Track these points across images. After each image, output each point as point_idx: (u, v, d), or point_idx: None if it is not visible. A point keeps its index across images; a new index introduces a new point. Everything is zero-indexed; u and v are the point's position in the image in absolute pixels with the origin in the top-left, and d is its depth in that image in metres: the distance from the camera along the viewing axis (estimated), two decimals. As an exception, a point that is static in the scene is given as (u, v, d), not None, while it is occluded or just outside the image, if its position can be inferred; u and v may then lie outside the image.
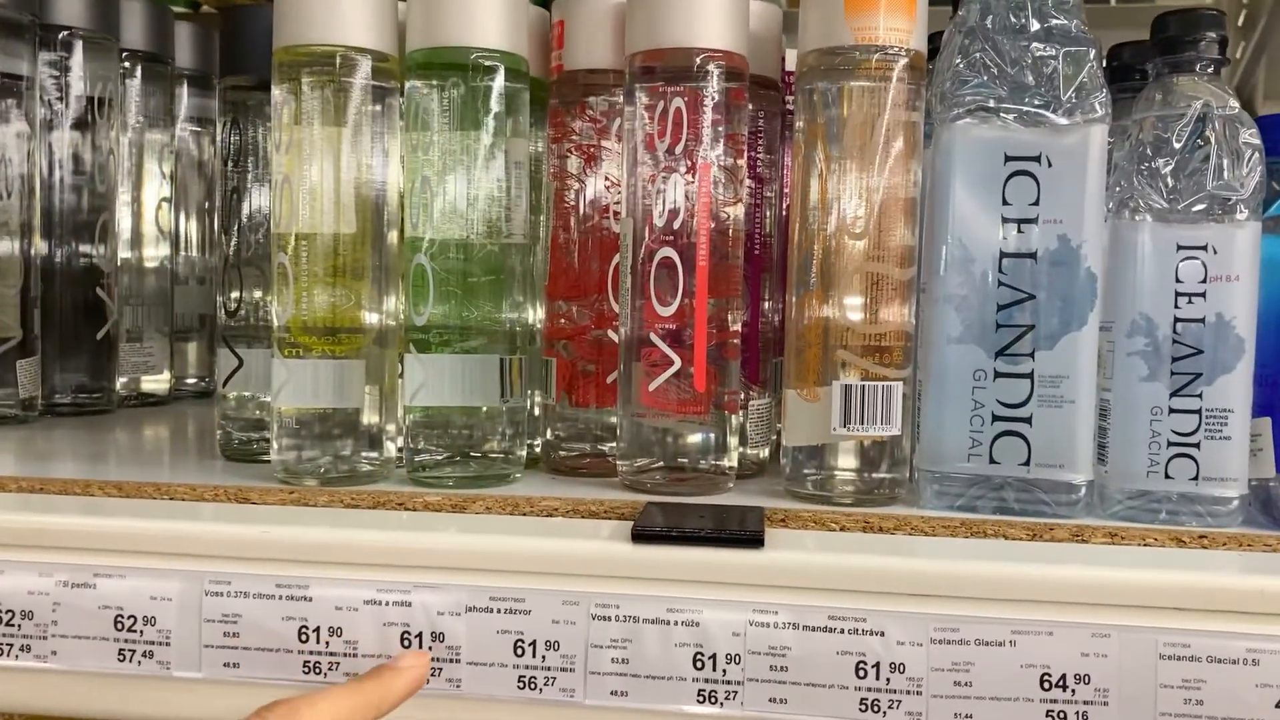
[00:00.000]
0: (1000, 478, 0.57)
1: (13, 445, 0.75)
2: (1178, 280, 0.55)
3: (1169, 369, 0.55)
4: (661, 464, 0.61)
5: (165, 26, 1.00)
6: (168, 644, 0.53)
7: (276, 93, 0.62)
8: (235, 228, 0.68)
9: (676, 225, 0.59)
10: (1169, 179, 0.55)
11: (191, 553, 0.53)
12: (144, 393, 0.98)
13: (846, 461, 0.60)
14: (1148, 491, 0.56)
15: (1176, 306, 0.55)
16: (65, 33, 0.89)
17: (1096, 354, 0.56)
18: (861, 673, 0.49)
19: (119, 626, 0.53)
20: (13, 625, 0.54)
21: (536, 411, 0.68)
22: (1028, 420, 0.56)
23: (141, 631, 0.53)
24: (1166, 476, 0.55)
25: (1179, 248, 0.55)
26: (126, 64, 0.96)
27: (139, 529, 0.54)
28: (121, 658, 0.53)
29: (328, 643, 0.52)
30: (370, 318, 0.62)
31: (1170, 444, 0.55)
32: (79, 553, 0.54)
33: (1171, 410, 0.55)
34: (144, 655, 0.53)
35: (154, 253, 1.00)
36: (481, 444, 0.62)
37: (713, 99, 0.59)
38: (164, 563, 0.53)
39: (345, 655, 0.52)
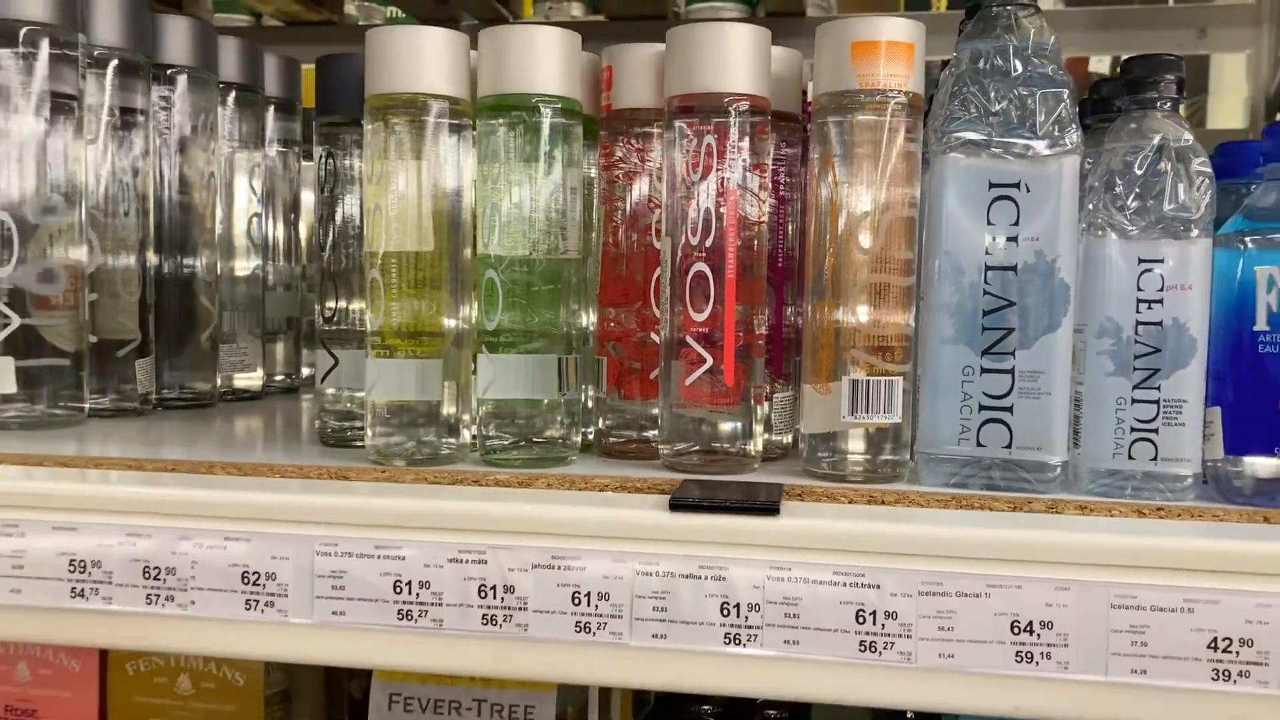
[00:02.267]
0: (987, 459, 0.66)
1: (136, 433, 0.87)
2: (1139, 289, 0.64)
3: (1132, 365, 0.64)
4: (697, 448, 0.71)
5: (256, 60, 1.12)
6: (285, 595, 0.64)
7: (368, 131, 0.73)
8: (330, 245, 0.79)
9: (708, 243, 0.69)
10: (1132, 202, 0.64)
11: (305, 520, 0.64)
12: (238, 389, 1.10)
13: (855, 445, 0.69)
14: (1115, 470, 0.65)
15: (1138, 312, 0.64)
16: (172, 70, 1.01)
17: (1070, 352, 0.65)
18: (860, 619, 0.59)
19: (245, 581, 0.64)
20: (159, 580, 0.65)
21: (589, 403, 0.78)
22: (1009, 409, 0.65)
23: (264, 585, 0.64)
24: (1130, 457, 0.64)
25: (1140, 261, 0.64)
26: (223, 94, 1.08)
27: (260, 500, 0.65)
28: (248, 607, 0.64)
29: (418, 594, 0.62)
30: (448, 323, 0.73)
31: (1133, 429, 0.64)
32: (212, 520, 0.65)
33: (1134, 400, 0.64)
34: (266, 605, 0.64)
35: (246, 263, 1.12)
36: (543, 431, 0.73)
37: (738, 133, 0.69)
38: (282, 529, 0.64)
39: (432, 604, 0.62)
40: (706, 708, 1.06)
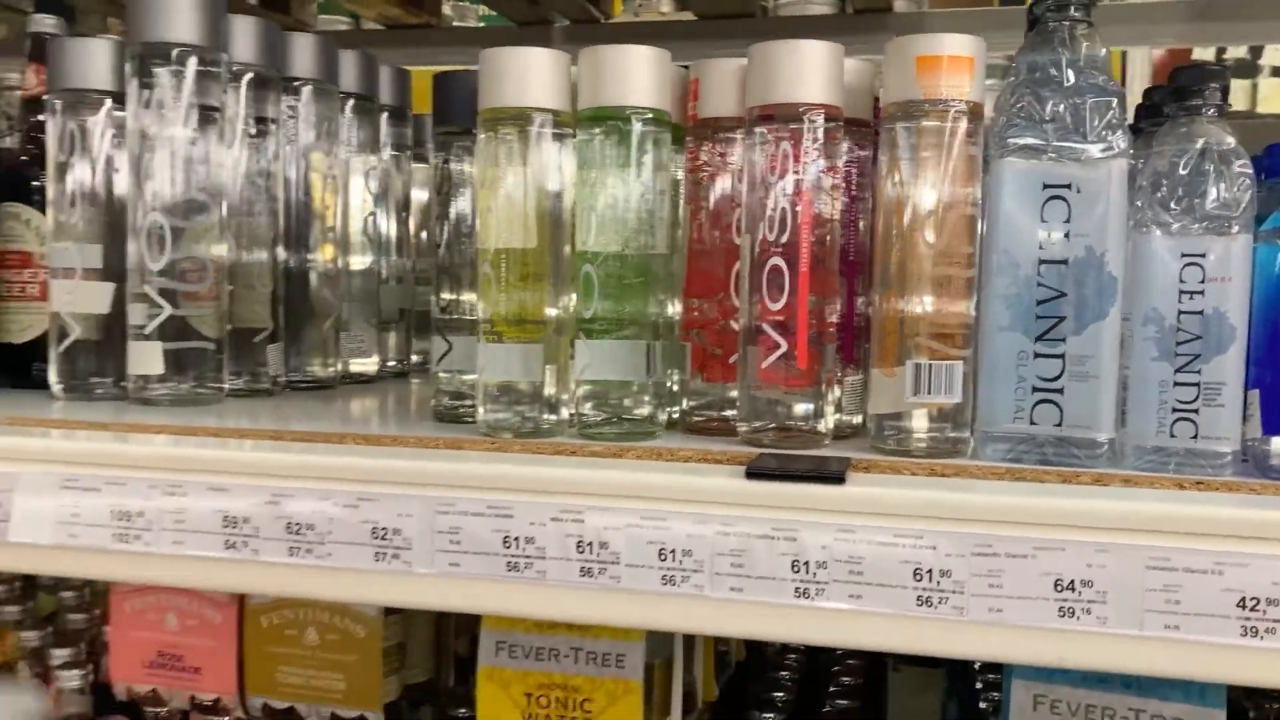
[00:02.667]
0: (1040, 436, 0.72)
1: (268, 410, 0.97)
2: (1182, 281, 0.69)
3: (1174, 351, 0.70)
4: (772, 425, 0.78)
5: (372, 71, 1.22)
6: (410, 549, 0.73)
7: (481, 140, 0.81)
8: (445, 243, 0.88)
9: (784, 239, 0.76)
10: (1176, 202, 0.70)
11: (427, 483, 0.73)
12: (355, 373, 1.20)
13: (919, 424, 0.76)
14: (1159, 448, 0.71)
15: (1180, 302, 0.69)
16: (298, 82, 1.11)
17: (1118, 339, 0.71)
18: (918, 577, 0.65)
19: (374, 536, 0.73)
20: (300, 535, 0.75)
21: (675, 385, 0.86)
22: (1060, 391, 0.71)
23: (391, 540, 0.73)
24: (1171, 435, 0.70)
25: (1183, 255, 0.69)
26: (342, 103, 1.18)
27: (388, 466, 0.74)
28: (377, 558, 0.73)
29: (524, 549, 0.71)
30: (549, 312, 0.81)
31: (1174, 410, 0.70)
32: (345, 482, 0.74)
33: (1176, 384, 0.70)
34: (393, 557, 0.73)
35: (363, 258, 1.22)
36: (632, 409, 0.81)
37: (811, 139, 0.76)
38: (407, 490, 0.73)
39: (536, 558, 0.71)
40: (784, 674, 1.13)
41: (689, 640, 0.95)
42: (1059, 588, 0.64)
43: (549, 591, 0.71)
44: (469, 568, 0.72)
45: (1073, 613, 0.64)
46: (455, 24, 3.18)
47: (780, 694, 1.08)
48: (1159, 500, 0.65)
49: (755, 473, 0.69)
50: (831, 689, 1.10)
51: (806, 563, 0.67)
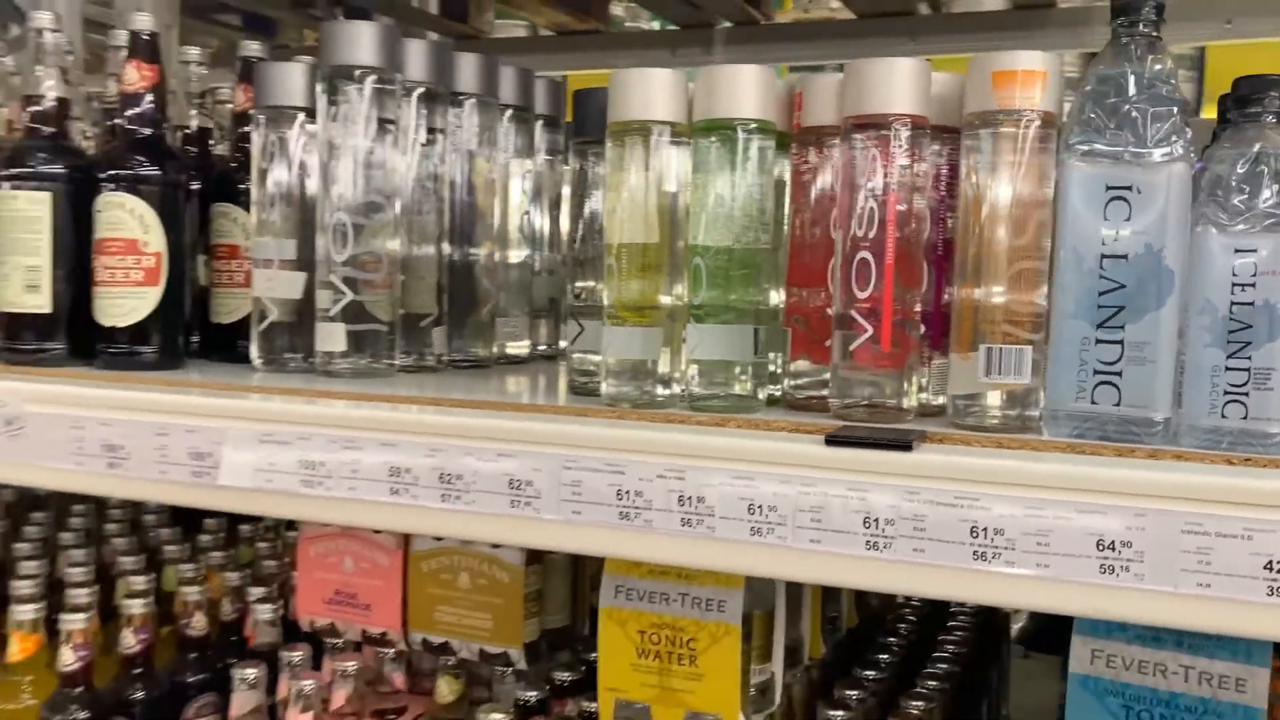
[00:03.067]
0: (1101, 415, 0.79)
1: (431, 383, 1.12)
2: (1234, 275, 0.76)
3: (1226, 339, 0.76)
4: (861, 402, 0.87)
5: (528, 84, 1.36)
6: (539, 498, 0.85)
7: (609, 149, 0.93)
8: (580, 238, 1.01)
9: (871, 235, 0.85)
10: (1231, 201, 0.76)
11: (556, 443, 0.85)
12: (509, 355, 1.34)
13: (992, 403, 0.84)
14: (1214, 428, 0.77)
15: (1233, 294, 0.76)
16: (463, 96, 1.26)
17: (1175, 327, 0.77)
18: (974, 534, 0.74)
19: (511, 486, 0.86)
20: (451, 484, 0.88)
21: (777, 366, 0.96)
22: (1119, 374, 0.78)
23: (524, 490, 0.86)
24: (1223, 416, 0.76)
25: (1236, 251, 0.75)
26: (501, 113, 1.32)
27: (521, 428, 0.87)
28: (513, 504, 0.86)
29: (634, 501, 0.82)
30: (665, 299, 0.92)
31: (1225, 393, 0.76)
32: (488, 441, 0.88)
33: (1227, 368, 0.76)
34: (525, 504, 0.86)
35: (518, 252, 1.36)
36: (737, 386, 0.91)
37: (898, 145, 0.85)
38: (539, 449, 0.86)
39: (644, 509, 0.82)
40: (891, 640, 1.22)
41: (794, 597, 1.05)
42: (1100, 547, 0.71)
43: (653, 538, 0.82)
44: (588, 515, 0.84)
45: (1113, 570, 0.71)
46: (628, 24, 3.31)
47: (885, 656, 1.16)
48: (1196, 473, 0.71)
49: (834, 440, 0.79)
50: (935, 654, 1.18)
51: (876, 519, 0.76)
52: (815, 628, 1.12)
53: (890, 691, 1.10)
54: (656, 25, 3.33)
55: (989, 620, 1.35)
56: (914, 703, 1.04)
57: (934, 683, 1.10)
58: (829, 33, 3.33)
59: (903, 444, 0.77)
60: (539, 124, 1.40)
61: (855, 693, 1.05)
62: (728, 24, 3.15)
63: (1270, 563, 0.68)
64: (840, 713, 1.01)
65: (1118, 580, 0.71)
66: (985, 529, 0.74)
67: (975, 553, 0.74)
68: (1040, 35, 2.98)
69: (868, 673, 1.12)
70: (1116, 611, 0.72)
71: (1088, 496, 0.72)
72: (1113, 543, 0.71)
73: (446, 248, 1.24)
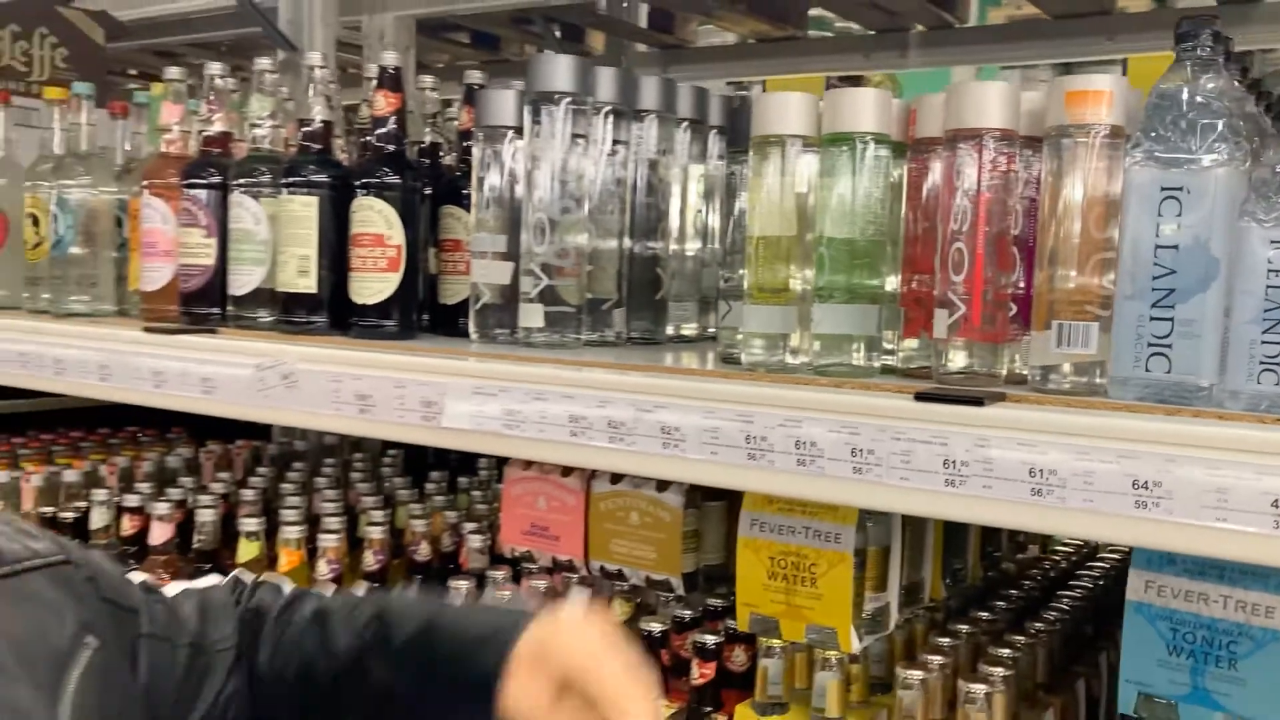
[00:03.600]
0: (1154, 381, 0.93)
1: (610, 354, 1.34)
2: (1269, 263, 0.88)
3: (1262, 316, 0.89)
4: (956, 370, 1.04)
5: (703, 100, 1.56)
6: (685, 441, 1.06)
7: (753, 156, 1.13)
8: (730, 230, 1.21)
9: (964, 229, 1.02)
10: (1269, 200, 0.89)
11: (702, 398, 1.06)
12: (681, 335, 1.56)
13: (1064, 370, 0.99)
14: (1254, 393, 0.90)
15: (1268, 279, 0.89)
16: (644, 113, 1.48)
17: (1220, 307, 0.91)
18: (1032, 474, 0.90)
19: (665, 432, 1.07)
20: (615, 429, 1.10)
21: (894, 341, 1.14)
22: (1170, 346, 0.92)
23: (673, 434, 1.07)
24: (1258, 383, 0.89)
25: (1271, 243, 0.88)
26: (679, 125, 1.53)
27: (678, 385, 1.08)
28: (664, 446, 1.07)
29: (760, 444, 1.02)
30: (795, 283, 1.12)
31: (1261, 363, 0.89)
32: (646, 395, 1.09)
33: (1263, 342, 0.89)
34: (674, 445, 1.07)
35: (691, 245, 1.57)
36: (855, 356, 1.09)
37: (990, 153, 1.01)
38: (690, 403, 1.07)
39: (766, 451, 1.02)
40: (1014, 592, 1.36)
41: (915, 541, 1.22)
42: (1135, 486, 0.86)
43: (774, 475, 1.02)
44: (723, 456, 1.04)
45: (1145, 505, 0.86)
46: (838, 24, 3.44)
47: (1002, 604, 1.31)
48: (1217, 426, 0.85)
49: (921, 396, 0.96)
50: (1051, 605, 1.32)
51: (953, 461, 0.93)
52: (936, 573, 1.28)
53: (1001, 635, 1.25)
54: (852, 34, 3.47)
55: (1115, 580, 1.47)
56: (1018, 638, 1.19)
57: (1040, 625, 1.24)
58: (1022, 34, 3.40)
59: (975, 400, 0.94)
60: (713, 134, 1.61)
61: (966, 628, 1.21)
62: (920, 28, 3.27)
63: (1276, 500, 0.81)
64: (948, 641, 1.17)
65: (1149, 514, 0.86)
66: (1041, 470, 0.90)
67: (1033, 489, 0.90)
68: (1242, 30, 2.99)
69: (982, 614, 1.27)
70: (1148, 539, 0.87)
71: (1125, 444, 0.87)
72: (1146, 482, 0.86)
73: (627, 242, 1.46)
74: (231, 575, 1.06)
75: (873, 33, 3.44)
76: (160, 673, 0.88)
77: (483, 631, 0.88)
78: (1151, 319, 0.93)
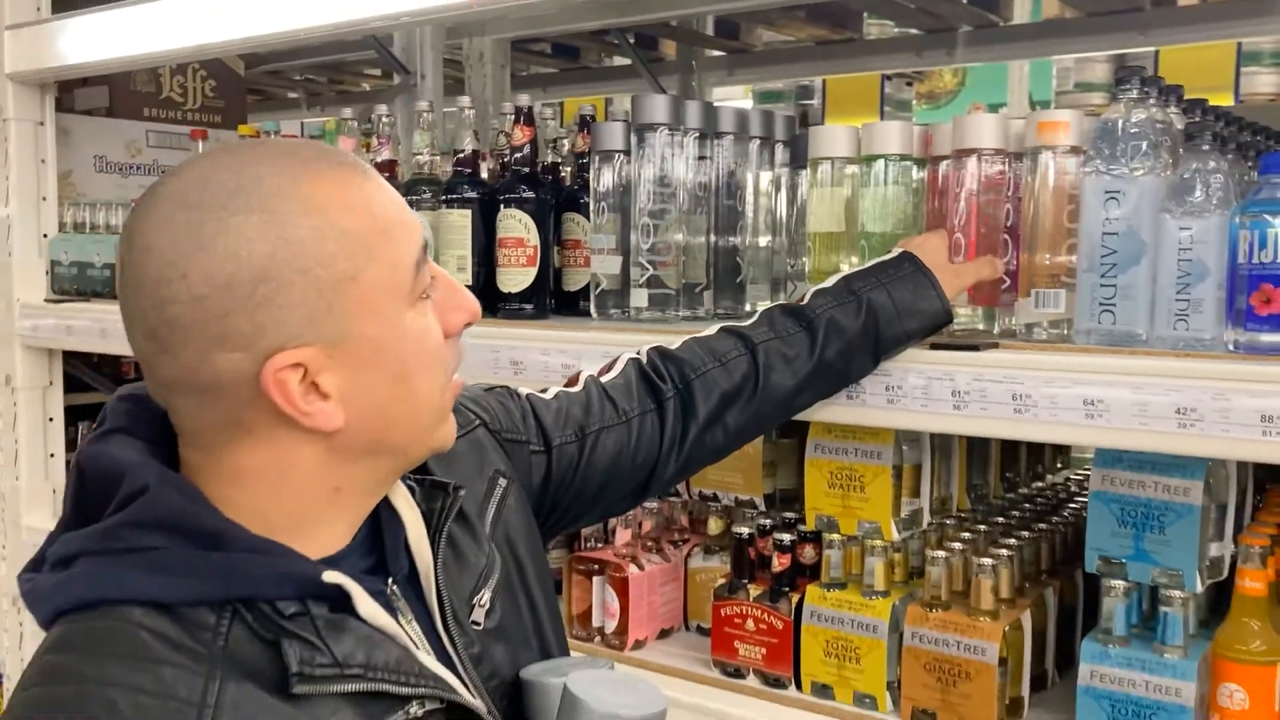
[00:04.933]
0: (1105, 331, 1.29)
1: (702, 328, 1.72)
2: (1180, 244, 1.24)
3: (1175, 282, 1.24)
4: (959, 328, 1.41)
5: (770, 119, 1.94)
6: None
7: (809, 172, 1.51)
8: (793, 227, 1.59)
9: (962, 223, 1.38)
10: (1178, 198, 1.24)
11: (773, 352, 1.44)
12: (757, 310, 1.93)
13: (1043, 325, 1.36)
14: (1174, 338, 1.26)
15: (1179, 254, 1.24)
16: (724, 134, 1.85)
17: (1150, 276, 1.26)
18: (1015, 398, 1.26)
19: (748, 380, 1.46)
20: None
21: (922, 308, 1.51)
22: (1115, 305, 1.28)
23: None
24: (1174, 329, 1.25)
25: (1181, 229, 1.24)
26: (751, 140, 1.91)
27: (755, 345, 1.46)
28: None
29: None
30: (844, 267, 1.49)
31: (1176, 315, 1.24)
32: (735, 353, 1.47)
33: (1176, 299, 1.25)
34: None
35: (764, 239, 1.94)
36: (890, 319, 1.47)
37: (986, 167, 1.37)
38: (763, 356, 1.45)
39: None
40: (1027, 505, 1.72)
41: (944, 460, 1.59)
42: (1085, 403, 1.23)
43: (829, 408, 1.39)
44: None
45: (1092, 416, 1.22)
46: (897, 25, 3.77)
47: (1016, 513, 1.68)
48: (1145, 359, 1.22)
49: (935, 345, 1.33)
50: (1056, 512, 1.68)
51: (958, 391, 1.30)
52: (962, 488, 1.65)
53: (1011, 531, 1.61)
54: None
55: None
56: (1024, 533, 1.56)
57: (1045, 525, 1.60)
58: (1063, 31, 3.74)
59: (973, 347, 1.31)
60: (779, 146, 1.98)
61: (984, 526, 1.58)
62: (968, 28, 3.63)
63: (1179, 408, 1.17)
64: (968, 535, 1.54)
65: (1094, 422, 1.22)
66: (1020, 395, 1.27)
67: (1016, 409, 1.27)
68: (1270, 21, 3.32)
69: (998, 518, 1.64)
70: (1097, 441, 1.23)
71: (1076, 375, 1.23)
72: (1094, 400, 1.22)
73: (712, 237, 1.84)
74: (628, 359, 1.35)
75: (923, 33, 3.79)
76: (561, 465, 1.18)
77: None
78: (1101, 286, 1.29)
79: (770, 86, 4.71)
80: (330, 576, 0.85)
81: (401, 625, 0.90)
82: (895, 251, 1.37)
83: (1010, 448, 1.84)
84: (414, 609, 0.94)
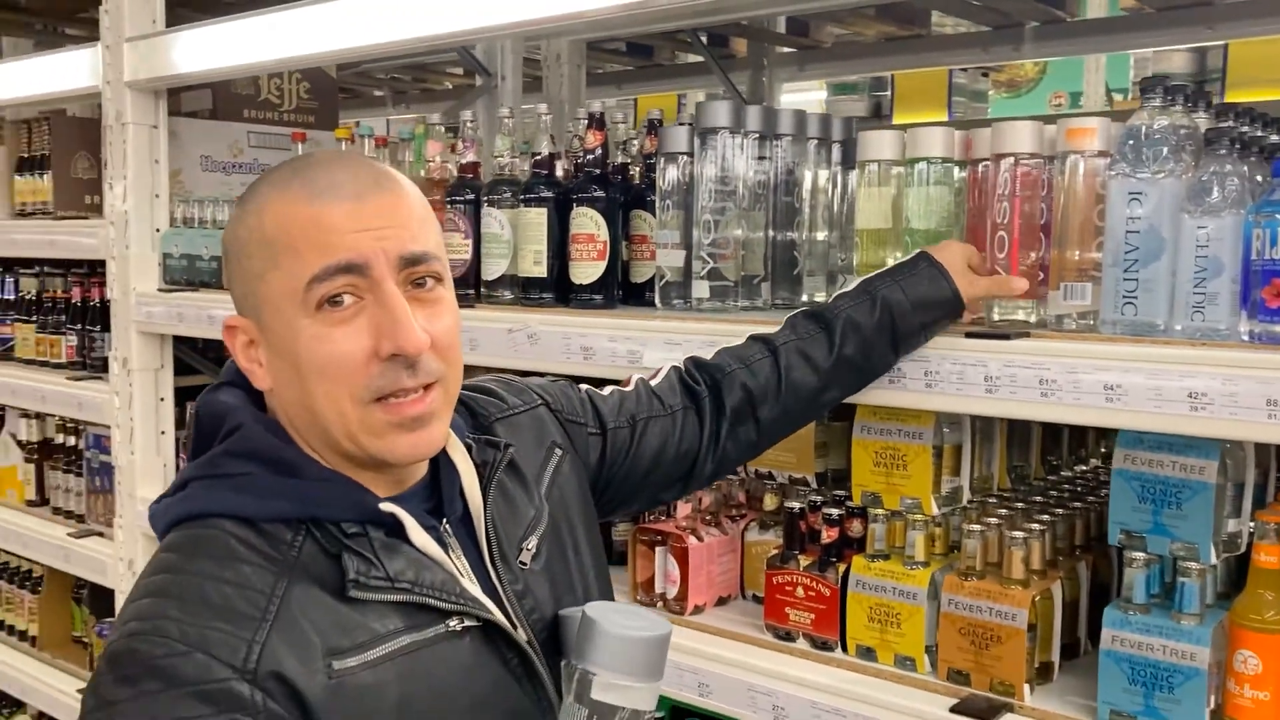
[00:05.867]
0: (1129, 321, 1.40)
1: (758, 317, 1.85)
2: (1198, 240, 1.34)
3: (1193, 276, 1.34)
4: (998, 318, 1.52)
5: (828, 123, 2.05)
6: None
7: (858, 172, 1.63)
8: (843, 223, 1.71)
9: (1004, 220, 1.49)
10: (1196, 199, 1.34)
11: (821, 340, 1.57)
12: (814, 300, 2.05)
13: (1070, 317, 1.46)
14: (1193, 328, 1.35)
15: (1196, 251, 1.34)
16: (781, 136, 1.98)
17: (1170, 271, 1.36)
18: (1041, 382, 1.38)
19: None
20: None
21: (962, 299, 1.62)
22: (1136, 297, 1.38)
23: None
24: (1191, 320, 1.35)
25: (1198, 228, 1.34)
26: (809, 141, 2.02)
27: (805, 333, 1.59)
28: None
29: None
30: (889, 261, 1.61)
31: (1193, 307, 1.34)
32: (786, 341, 1.60)
33: (1193, 293, 1.34)
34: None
35: (820, 234, 2.06)
36: (931, 310, 1.58)
37: (1022, 169, 1.48)
38: (813, 344, 1.58)
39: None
40: (1065, 486, 1.83)
41: (984, 442, 1.70)
42: (1107, 387, 1.33)
43: (872, 391, 1.51)
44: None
45: (1112, 400, 1.33)
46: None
47: (1054, 492, 1.78)
48: (1159, 347, 1.32)
49: (969, 334, 1.45)
50: (1094, 493, 1.78)
51: (990, 376, 1.42)
52: (1002, 469, 1.76)
53: (1046, 508, 1.72)
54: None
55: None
56: (1058, 510, 1.66)
57: (1080, 504, 1.71)
58: (1129, 26, 3.79)
59: (1003, 335, 1.42)
60: (835, 146, 2.09)
61: (1022, 504, 1.69)
62: (1035, 23, 3.70)
63: (1191, 393, 1.28)
64: (1005, 511, 1.65)
65: (1113, 405, 1.33)
66: (1046, 380, 1.38)
67: (1042, 393, 1.38)
68: None
69: (1037, 497, 1.74)
70: (1117, 423, 1.34)
71: (1098, 360, 1.34)
72: (1113, 384, 1.33)
73: (770, 232, 1.97)
74: (670, 367, 1.51)
75: (990, 29, 3.85)
76: (614, 447, 1.35)
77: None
78: (1124, 280, 1.40)
79: (845, 79, 4.80)
80: (386, 507, 1.04)
81: (450, 557, 1.08)
82: (914, 253, 1.50)
83: (1054, 432, 1.94)
84: (464, 546, 1.12)
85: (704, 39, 4.15)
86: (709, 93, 4.52)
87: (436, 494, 1.12)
